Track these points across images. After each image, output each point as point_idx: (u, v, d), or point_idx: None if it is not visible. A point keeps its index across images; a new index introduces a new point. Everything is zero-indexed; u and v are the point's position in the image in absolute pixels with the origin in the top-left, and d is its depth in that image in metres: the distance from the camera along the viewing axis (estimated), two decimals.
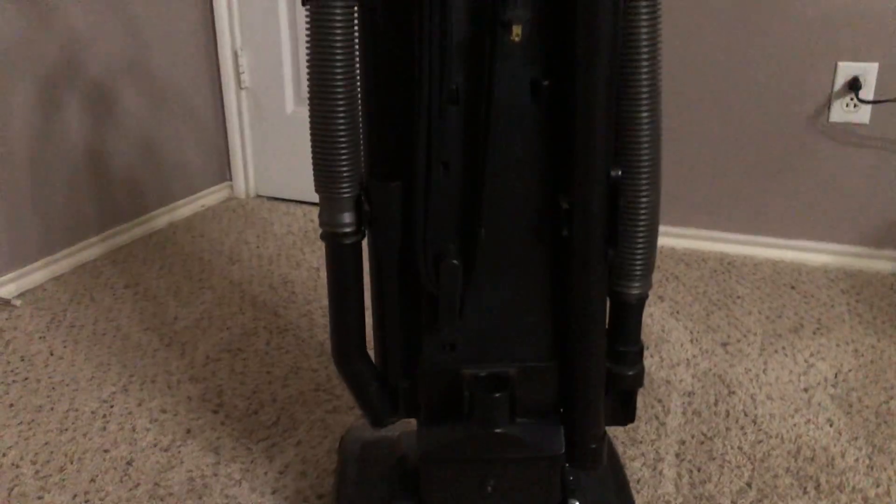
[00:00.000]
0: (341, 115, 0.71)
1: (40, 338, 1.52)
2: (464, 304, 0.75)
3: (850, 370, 1.37)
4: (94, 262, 1.90)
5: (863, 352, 1.43)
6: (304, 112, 2.23)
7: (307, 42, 0.70)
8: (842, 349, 1.44)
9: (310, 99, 0.71)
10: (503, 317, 0.76)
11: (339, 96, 0.70)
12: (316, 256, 1.92)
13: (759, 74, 1.76)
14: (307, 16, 0.70)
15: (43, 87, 1.76)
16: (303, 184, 2.27)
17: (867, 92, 1.68)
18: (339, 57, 0.69)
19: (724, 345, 1.47)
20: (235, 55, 2.26)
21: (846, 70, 1.69)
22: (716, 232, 1.90)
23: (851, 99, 1.70)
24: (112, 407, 1.29)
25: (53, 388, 1.34)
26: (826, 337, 1.49)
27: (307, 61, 0.71)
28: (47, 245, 1.81)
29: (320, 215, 0.75)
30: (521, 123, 0.71)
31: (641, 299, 0.76)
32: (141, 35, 2.01)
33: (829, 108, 1.73)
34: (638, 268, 0.74)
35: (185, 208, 2.22)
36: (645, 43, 0.68)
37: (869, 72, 1.68)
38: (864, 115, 1.71)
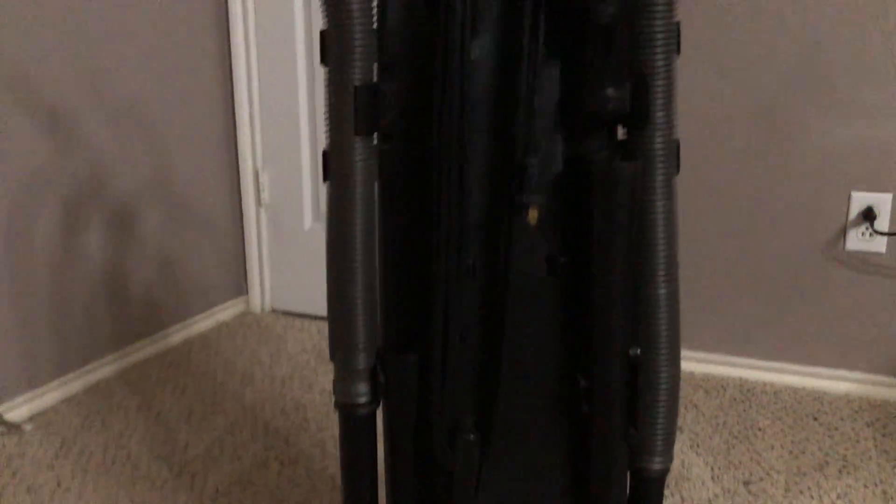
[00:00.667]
0: (359, 287, 0.71)
1: (48, 466, 1.50)
2: (480, 479, 0.73)
3: None
4: (107, 382, 1.89)
5: (892, 494, 1.38)
6: (322, 228, 2.27)
7: (327, 216, 0.71)
8: (870, 491, 1.40)
9: (328, 270, 0.72)
10: (521, 493, 0.74)
11: (357, 269, 0.71)
12: (328, 378, 1.90)
13: (776, 202, 1.77)
14: (328, 192, 0.71)
15: (66, 207, 1.80)
16: (317, 298, 2.28)
17: (882, 222, 1.69)
18: (357, 232, 0.70)
19: (747, 483, 1.43)
20: (256, 173, 2.31)
21: (860, 200, 1.70)
22: (735, 357, 1.88)
23: (867, 228, 1.70)
24: None
25: None
26: (853, 476, 1.44)
27: (327, 235, 0.72)
28: (61, 365, 1.81)
29: (334, 385, 0.74)
30: (537, 298, 0.71)
31: (663, 473, 0.74)
32: (165, 154, 2.06)
33: (844, 236, 1.73)
34: (659, 443, 0.72)
35: (201, 323, 2.23)
36: (661, 222, 0.69)
37: (883, 202, 1.69)
38: (880, 244, 1.70)
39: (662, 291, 0.70)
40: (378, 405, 0.75)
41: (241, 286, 2.40)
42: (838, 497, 1.38)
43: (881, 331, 1.75)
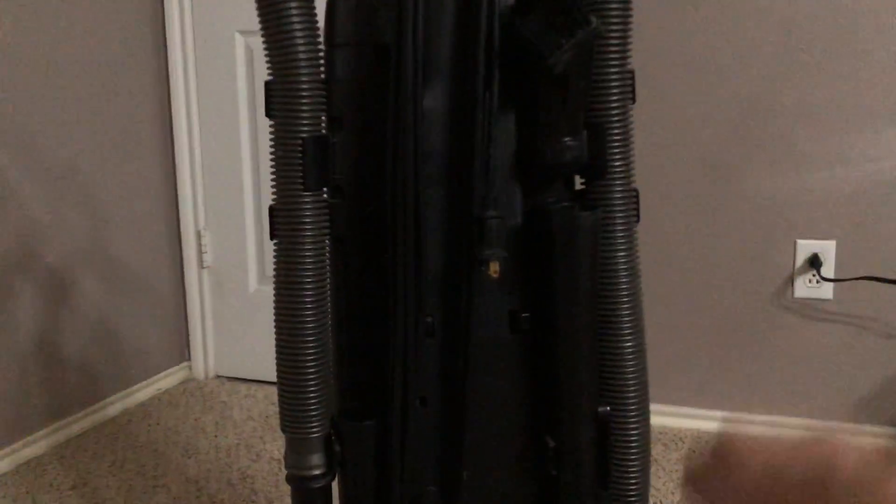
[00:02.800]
0: (311, 352, 0.67)
1: None
2: None
3: None
4: (39, 459, 1.78)
5: None
6: (268, 290, 2.20)
7: (275, 277, 0.68)
8: None
9: (277, 335, 0.68)
10: None
11: (309, 333, 0.67)
12: (277, 446, 1.82)
13: (724, 253, 1.78)
14: (275, 251, 0.68)
15: None
16: (264, 363, 2.20)
17: (828, 269, 1.71)
18: (308, 294, 0.67)
19: None
20: (198, 234, 2.25)
21: (806, 248, 1.73)
22: (690, 409, 1.86)
23: (813, 275, 1.72)
24: None
25: None
26: None
27: (275, 297, 0.68)
28: None
29: (286, 456, 0.69)
30: (500, 356, 0.68)
31: None
32: (102, 216, 1.99)
33: (792, 284, 1.75)
34: (633, 500, 0.69)
35: (140, 392, 2.13)
36: (624, 272, 0.67)
37: (828, 249, 1.71)
38: (827, 291, 1.72)
39: (629, 345, 0.67)
40: (333, 476, 0.70)
41: (183, 352, 2.31)
42: None
43: (831, 376, 1.76)
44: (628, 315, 0.67)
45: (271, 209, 0.68)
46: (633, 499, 0.69)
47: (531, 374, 0.68)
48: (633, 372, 0.67)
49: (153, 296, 2.19)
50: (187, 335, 2.30)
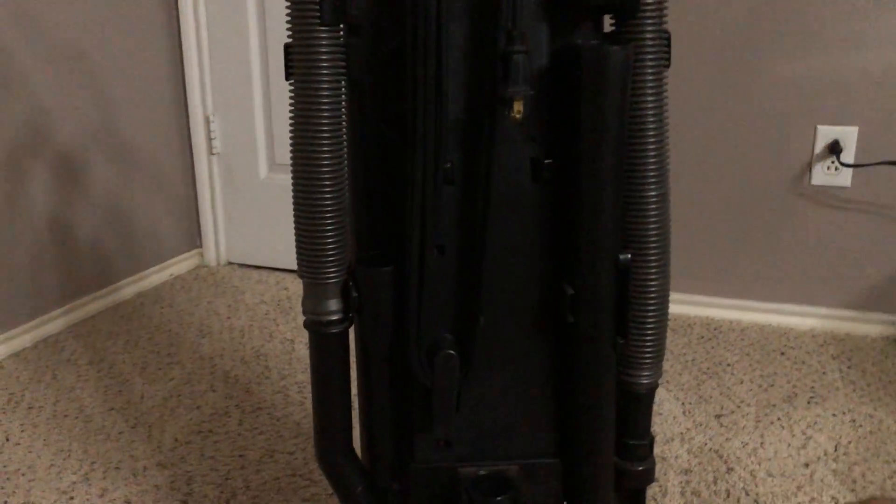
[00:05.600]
0: (328, 196, 0.66)
1: None
2: (461, 397, 0.69)
3: (849, 442, 1.32)
4: (56, 337, 1.80)
5: (861, 422, 1.39)
6: (278, 177, 2.19)
7: (290, 119, 0.66)
8: (839, 419, 1.40)
9: (293, 179, 0.66)
10: (504, 410, 0.70)
11: (326, 177, 0.65)
12: (290, 327, 1.84)
13: (740, 138, 1.75)
14: (291, 91, 0.65)
15: (6, 160, 1.69)
16: (275, 250, 2.21)
17: (848, 155, 1.68)
18: (325, 136, 0.65)
19: (718, 416, 1.42)
20: (207, 120, 2.21)
21: (826, 133, 1.69)
22: (701, 297, 1.87)
23: (833, 162, 1.69)
24: (72, 499, 1.19)
25: (8, 479, 1.25)
26: (822, 406, 1.45)
27: (291, 140, 0.66)
28: (8, 320, 1.72)
29: (303, 302, 0.69)
30: (521, 204, 0.66)
31: (651, 389, 0.71)
32: (109, 103, 1.96)
33: (810, 171, 1.72)
34: (648, 357, 0.69)
35: (153, 277, 2.14)
36: (651, 118, 0.64)
37: (849, 135, 1.67)
38: (845, 178, 1.70)
39: (653, 193, 0.66)
40: (350, 323, 0.70)
41: (194, 239, 2.31)
42: (808, 426, 1.38)
43: (847, 265, 1.75)
44: (654, 161, 0.65)
45: (287, 46, 0.65)
46: (649, 349, 0.68)
47: (551, 224, 0.67)
48: (655, 220, 0.66)
49: (163, 182, 2.17)
50: (198, 222, 2.30)
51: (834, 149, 1.68)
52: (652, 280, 0.66)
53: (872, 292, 1.74)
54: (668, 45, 0.65)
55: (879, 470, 1.24)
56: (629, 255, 0.64)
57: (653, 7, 0.63)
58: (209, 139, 2.23)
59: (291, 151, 0.66)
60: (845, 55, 1.64)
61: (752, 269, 1.82)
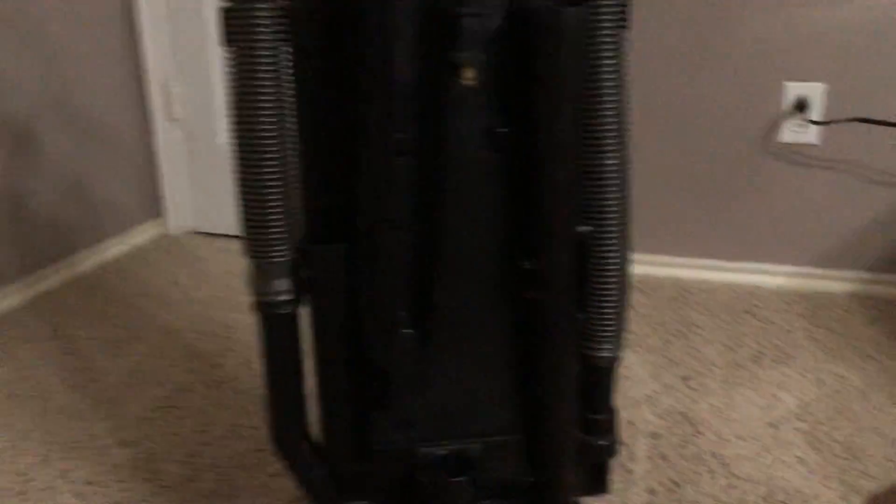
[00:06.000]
0: (271, 170, 0.62)
1: None
2: (419, 376, 0.66)
3: (815, 401, 1.33)
4: (14, 312, 1.76)
5: (826, 381, 1.39)
6: None
7: (230, 88, 0.62)
8: (805, 379, 1.40)
9: (234, 154, 0.63)
10: (464, 388, 0.68)
11: (269, 150, 0.62)
12: None
13: (707, 95, 1.73)
14: (230, 59, 0.62)
15: None
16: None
17: (815, 111, 1.66)
18: (267, 105, 0.61)
19: (686, 379, 1.42)
20: (165, 85, 2.15)
21: (793, 90, 1.67)
22: (669, 257, 1.86)
23: (801, 119, 1.67)
24: (31, 481, 1.17)
25: None
26: (788, 366, 1.45)
27: (229, 112, 0.62)
28: None
29: (250, 283, 0.66)
30: (477, 176, 0.63)
31: (613, 362, 0.69)
32: (61, 69, 1.88)
33: (778, 128, 1.70)
34: (609, 330, 0.67)
35: (114, 248, 2.09)
36: (609, 82, 0.62)
37: (816, 92, 1.66)
38: (812, 135, 1.68)
39: (612, 161, 0.63)
40: (301, 303, 0.68)
41: (156, 207, 2.26)
42: (775, 386, 1.38)
43: (814, 223, 1.75)
44: (613, 127, 0.62)
45: (222, 10, 0.61)
46: (610, 322, 0.67)
47: (509, 196, 0.64)
48: (614, 190, 0.63)
49: (121, 150, 2.11)
50: (159, 190, 2.24)
51: (801, 106, 1.66)
52: (612, 252, 0.64)
53: (838, 250, 1.75)
54: (627, 5, 0.62)
55: (844, 428, 1.25)
56: (589, 228, 0.62)
57: None
58: (168, 104, 2.16)
59: (231, 122, 0.62)
60: (813, 9, 1.61)
61: (720, 228, 1.81)
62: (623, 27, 0.62)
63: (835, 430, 1.25)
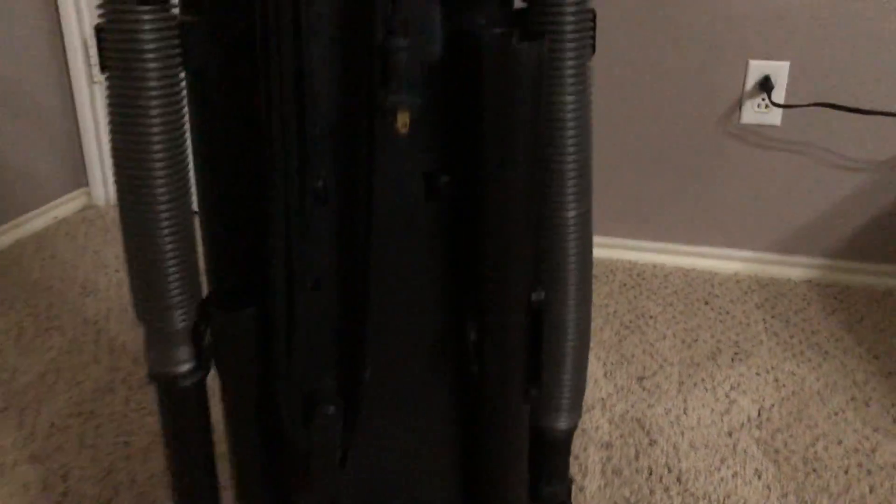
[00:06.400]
0: (165, 221, 0.52)
1: None
2: (346, 457, 0.57)
3: (772, 405, 1.28)
4: None
5: (783, 381, 1.34)
6: None
7: (110, 123, 0.50)
8: (762, 378, 1.35)
9: (119, 202, 0.52)
10: (398, 464, 0.59)
11: (161, 198, 0.51)
12: None
13: (668, 72, 1.63)
14: (108, 88, 0.50)
15: None
16: None
17: (779, 92, 1.59)
18: (157, 144, 0.50)
19: (641, 379, 1.35)
20: (85, 45, 1.97)
21: (758, 69, 1.59)
22: (624, 239, 1.79)
23: (763, 99, 1.60)
24: None
25: None
26: (745, 364, 1.40)
27: (112, 150, 0.51)
28: None
29: (146, 351, 0.56)
30: (412, 228, 0.53)
31: (570, 432, 0.61)
32: None
33: (740, 109, 1.62)
34: (566, 399, 0.58)
35: (34, 221, 1.94)
36: (571, 123, 0.52)
37: (780, 71, 1.58)
38: (775, 117, 1.61)
39: (572, 213, 0.54)
40: (207, 371, 0.57)
41: (79, 177, 2.10)
42: (731, 388, 1.33)
43: (773, 207, 1.68)
44: (574, 176, 0.53)
45: (97, 29, 0.49)
46: (566, 392, 0.58)
47: (451, 251, 0.54)
48: (575, 247, 0.54)
49: (40, 115, 1.94)
50: (82, 158, 2.08)
51: (765, 85, 1.58)
52: (571, 317, 0.55)
53: (796, 234, 1.69)
54: (594, 28, 0.52)
55: (801, 437, 1.20)
56: (542, 294, 0.52)
57: None
58: (89, 65, 1.99)
59: (114, 164, 0.51)
60: None
61: (676, 210, 1.74)
62: (589, 53, 0.52)
63: (793, 438, 1.20)
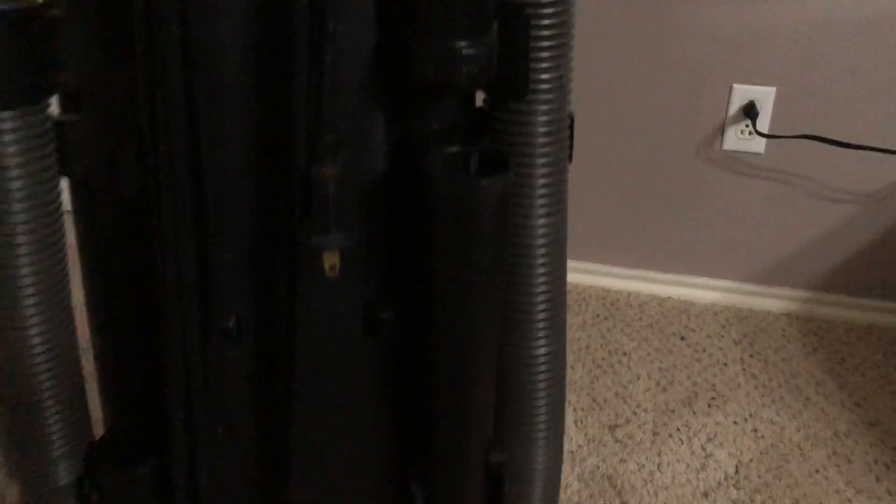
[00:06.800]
0: (41, 362, 0.42)
1: None
2: None
3: (751, 459, 1.21)
4: None
5: (762, 431, 1.27)
6: None
7: None
8: (740, 428, 1.28)
9: None
10: None
11: (34, 335, 0.41)
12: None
13: (650, 95, 1.54)
14: None
15: None
16: None
17: (764, 118, 1.50)
18: (25, 269, 0.40)
19: (613, 428, 1.27)
20: None
21: (742, 93, 1.50)
22: (598, 265, 1.70)
23: (747, 126, 1.51)
24: None
25: None
26: (722, 410, 1.32)
27: None
28: None
29: None
30: (346, 371, 0.44)
31: None
32: None
33: (722, 134, 1.54)
34: None
35: None
36: (542, 252, 0.43)
37: (766, 96, 1.49)
38: (758, 144, 1.53)
39: (542, 352, 0.44)
40: None
41: None
42: (708, 440, 1.25)
43: (752, 237, 1.61)
44: (544, 310, 0.44)
45: None
46: None
47: (393, 399, 0.45)
48: (545, 394, 0.45)
49: None
50: None
51: (749, 111, 1.50)
52: (539, 474, 0.46)
53: (777, 265, 1.62)
54: (572, 136, 0.42)
55: (781, 499, 1.13)
56: (503, 454, 0.43)
57: (552, 81, 0.40)
58: None
59: None
60: (768, 7, 1.44)
61: (653, 237, 1.66)
62: (566, 166, 0.43)
63: (770, 499, 1.13)
